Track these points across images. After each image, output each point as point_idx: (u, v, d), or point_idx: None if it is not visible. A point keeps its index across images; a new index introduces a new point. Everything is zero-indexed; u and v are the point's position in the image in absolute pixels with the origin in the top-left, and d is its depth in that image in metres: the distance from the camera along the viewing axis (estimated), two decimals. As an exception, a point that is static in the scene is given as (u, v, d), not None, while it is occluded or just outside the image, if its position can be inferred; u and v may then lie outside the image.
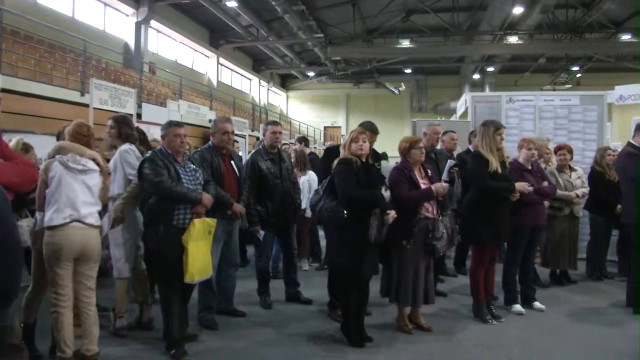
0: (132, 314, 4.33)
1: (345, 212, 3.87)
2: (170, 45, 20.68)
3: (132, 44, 17.39)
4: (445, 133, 6.25)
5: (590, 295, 5.73)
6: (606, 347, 4.13)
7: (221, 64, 24.07)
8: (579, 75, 26.10)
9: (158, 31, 19.53)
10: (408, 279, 4.27)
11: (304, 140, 7.94)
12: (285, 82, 32.18)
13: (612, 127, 10.37)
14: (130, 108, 8.19)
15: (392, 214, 3.96)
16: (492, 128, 4.66)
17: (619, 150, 6.03)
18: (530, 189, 4.71)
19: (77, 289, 3.42)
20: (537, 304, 5.08)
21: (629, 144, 5.23)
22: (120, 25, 17.51)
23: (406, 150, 4.36)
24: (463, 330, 4.49)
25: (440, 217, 4.31)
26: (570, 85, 25.81)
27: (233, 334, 4.33)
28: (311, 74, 28.46)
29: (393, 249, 4.27)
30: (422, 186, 4.29)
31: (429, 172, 4.50)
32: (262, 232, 4.97)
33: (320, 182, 4.93)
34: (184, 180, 3.84)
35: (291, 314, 4.90)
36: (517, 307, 4.96)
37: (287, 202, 5.03)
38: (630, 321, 4.78)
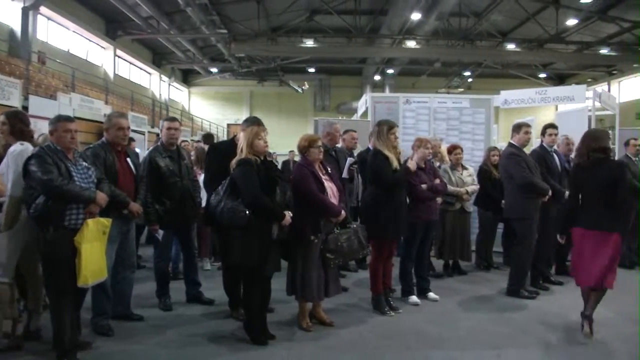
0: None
1: (247, 211, 3.84)
2: (62, 34, 19.29)
3: (18, 31, 16.00)
4: (346, 132, 6.42)
5: (478, 284, 6.15)
6: (492, 330, 4.47)
7: (118, 56, 22.87)
8: (470, 79, 27.86)
9: (49, 18, 18.14)
10: (313, 274, 4.32)
11: (209, 137, 7.79)
12: (187, 77, 31.24)
13: (498, 128, 11.22)
14: (14, 100, 7.58)
15: (287, 215, 3.99)
16: (386, 127, 4.86)
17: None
18: (424, 186, 4.99)
19: None
20: (431, 294, 5.37)
21: (510, 144, 5.70)
22: (4, 10, 16.03)
23: (305, 148, 4.41)
24: (363, 323, 4.63)
25: (339, 231, 4.40)
26: (462, 89, 27.47)
27: (130, 339, 4.13)
28: (214, 70, 27.85)
29: (298, 244, 4.30)
30: (324, 182, 4.37)
31: (329, 169, 4.60)
32: (160, 232, 4.81)
33: (206, 179, 4.83)
34: (75, 179, 3.60)
35: (192, 315, 4.78)
36: (413, 298, 5.22)
37: (186, 200, 4.90)
38: (512, 305, 5.22)
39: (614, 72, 26.53)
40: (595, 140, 4.37)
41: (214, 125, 27.67)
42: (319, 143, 4.46)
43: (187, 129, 22.18)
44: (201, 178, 6.17)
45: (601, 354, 4.01)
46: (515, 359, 3.91)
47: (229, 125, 30.85)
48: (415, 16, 17.95)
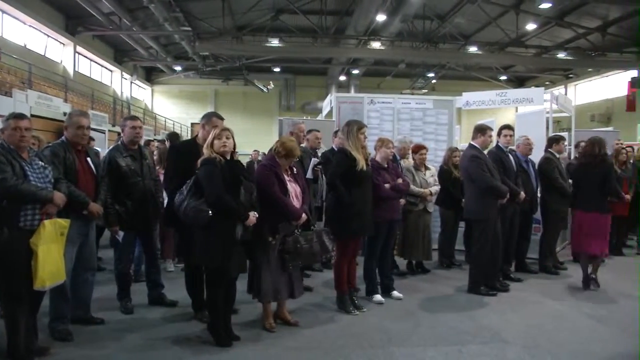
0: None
1: (210, 211, 3.81)
2: (18, 28, 18.62)
3: (-31, 23, 15.39)
4: (309, 132, 6.43)
5: (440, 282, 6.27)
6: (454, 327, 4.57)
7: (79, 53, 22.22)
8: (434, 81, 28.30)
9: (3, 12, 17.50)
10: (268, 275, 4.32)
11: (175, 136, 7.66)
12: (150, 75, 30.66)
13: (461, 129, 11.45)
14: (-36, 97, 7.27)
15: (251, 215, 3.98)
16: (356, 127, 4.90)
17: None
18: (387, 185, 5.06)
19: None
20: (395, 292, 5.45)
21: (471, 145, 5.83)
22: (-47, 1, 15.39)
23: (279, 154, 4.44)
24: (328, 322, 4.66)
25: (300, 232, 4.42)
26: (426, 90, 27.87)
27: (91, 344, 4.03)
28: (178, 68, 27.41)
29: (259, 245, 4.30)
30: (288, 184, 4.38)
31: (295, 170, 4.60)
32: (121, 233, 4.72)
33: (165, 179, 4.78)
34: (31, 178, 3.51)
35: (155, 318, 4.71)
36: (378, 297, 5.28)
37: (148, 201, 4.82)
38: (473, 302, 5.34)
39: (571, 75, 27.43)
40: (603, 147, 5.93)
41: (177, 125, 27.26)
42: (297, 152, 4.48)
43: (150, 128, 21.80)
44: (162, 177, 6.11)
45: (557, 347, 4.14)
46: (476, 354, 3.99)
47: (193, 124, 30.47)
48: (381, 17, 18.11)
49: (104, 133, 14.80)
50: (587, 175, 5.97)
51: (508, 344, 4.22)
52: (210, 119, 4.56)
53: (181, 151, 4.68)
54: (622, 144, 8.73)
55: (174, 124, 26.86)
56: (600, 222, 5.87)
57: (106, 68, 25.91)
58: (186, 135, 27.49)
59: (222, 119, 4.62)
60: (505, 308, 5.19)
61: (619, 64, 22.39)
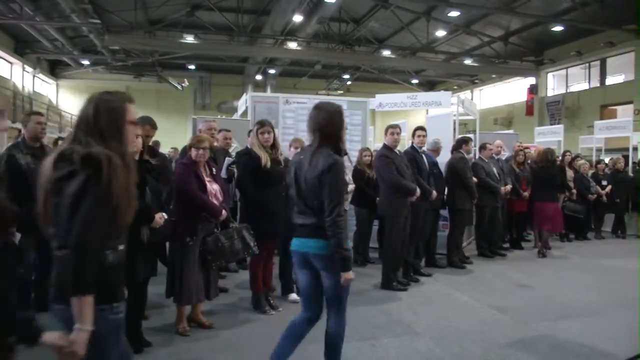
0: None
1: None
2: None
3: None
4: (219, 132, 6.35)
5: (355, 279, 6.37)
6: (367, 322, 4.69)
7: (-29, 42, 20.50)
8: (349, 82, 28.88)
9: None
10: (191, 276, 4.22)
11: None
12: (55, 69, 28.72)
13: (374, 130, 11.76)
14: None
15: (157, 217, 3.87)
16: (256, 127, 4.94)
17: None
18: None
19: None
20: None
21: (383, 145, 6.02)
22: None
23: (188, 148, 4.36)
24: (244, 323, 4.63)
25: (220, 231, 4.35)
26: (342, 92, 28.40)
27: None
28: (86, 62, 25.95)
29: (176, 245, 4.18)
30: (207, 183, 4.30)
31: (214, 170, 4.53)
32: (18, 235, 4.39)
33: None
34: None
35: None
36: (293, 296, 5.31)
37: None
38: (386, 297, 5.52)
39: (476, 81, 29.08)
40: (553, 155, 8.51)
41: (85, 122, 25.79)
42: (203, 145, 4.37)
43: (55, 125, 20.50)
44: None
45: (462, 336, 4.38)
46: (388, 348, 4.13)
47: (102, 121, 29.01)
48: (297, 18, 18.23)
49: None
50: (544, 175, 8.19)
51: (418, 335, 4.41)
52: (144, 124, 4.41)
53: None
54: (522, 146, 9.41)
55: (81, 121, 25.40)
56: (553, 207, 8.19)
57: (5, 60, 23.99)
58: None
59: (155, 127, 4.51)
60: (416, 302, 5.41)
61: (519, 71, 24.06)
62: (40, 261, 4.80)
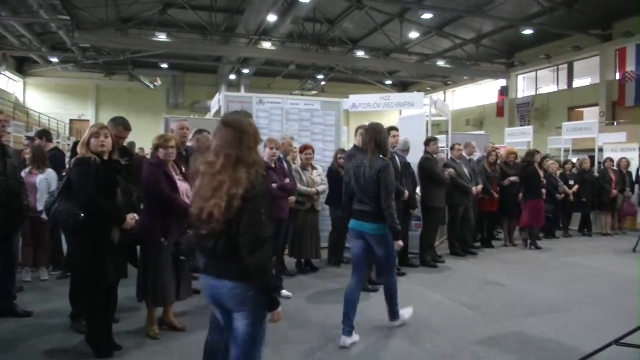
0: None
1: (81, 214, 3.58)
2: None
3: None
4: (200, 132, 6.29)
5: (329, 279, 6.43)
6: (339, 321, 4.68)
7: None
8: (323, 83, 28.94)
9: None
10: (165, 278, 4.17)
11: (44, 134, 7.05)
12: (22, 66, 27.96)
13: (348, 130, 11.82)
14: None
15: (129, 218, 3.82)
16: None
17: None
18: (274, 185, 5.11)
19: None
20: (284, 291, 5.50)
21: (353, 146, 6.06)
22: None
23: (156, 147, 4.28)
24: (216, 324, 4.58)
25: (193, 232, 4.30)
26: (316, 92, 28.44)
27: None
28: (54, 59, 25.32)
29: (148, 246, 4.12)
30: (177, 182, 4.25)
31: (183, 169, 4.47)
32: None
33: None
34: None
35: (25, 331, 4.33)
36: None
37: (11, 203, 4.40)
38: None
39: (449, 82, 29.50)
40: (530, 155, 8.98)
41: (54, 121, 25.24)
42: (170, 143, 4.31)
43: (22, 124, 19.95)
44: (38, 179, 5.66)
45: (435, 334, 4.43)
46: (362, 346, 4.16)
47: (71, 120, 28.42)
48: (272, 18, 18.18)
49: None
50: (531, 174, 8.76)
51: (392, 334, 4.45)
52: (117, 125, 4.35)
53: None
54: (494, 146, 9.57)
55: (49, 120, 24.84)
56: (537, 205, 8.78)
57: (-31, 56, 23.33)
58: (64, 132, 25.57)
59: (128, 129, 4.48)
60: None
61: (490, 73, 24.49)
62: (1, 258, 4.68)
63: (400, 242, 4.28)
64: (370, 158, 4.26)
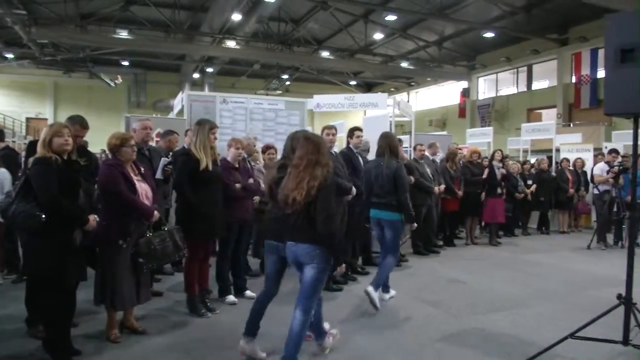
0: None
1: (43, 215, 3.46)
2: None
3: None
4: (171, 133, 6.21)
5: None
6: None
7: None
8: (288, 83, 28.90)
9: None
10: (124, 281, 4.08)
11: (-1, 134, 6.78)
12: (-24, 62, 26.99)
13: (312, 130, 11.82)
14: None
15: (91, 219, 3.73)
16: (207, 127, 4.82)
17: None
18: (238, 185, 5.07)
19: None
20: (248, 292, 5.44)
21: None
22: None
23: (116, 147, 4.15)
24: (179, 327, 4.52)
25: (152, 234, 4.23)
26: (281, 92, 28.38)
27: None
28: (10, 55, 24.46)
29: (106, 249, 4.02)
30: (136, 183, 4.15)
31: (142, 169, 4.38)
32: None
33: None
34: None
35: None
36: (230, 298, 5.24)
37: None
38: (324, 296, 5.52)
39: (412, 83, 29.91)
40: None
41: (10, 119, 24.39)
42: (132, 142, 4.22)
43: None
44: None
45: (398, 333, 4.48)
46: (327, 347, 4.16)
47: (28, 119, 27.52)
48: (236, 17, 18.04)
49: None
50: (490, 174, 9.23)
51: (355, 332, 4.47)
52: (75, 124, 4.22)
53: None
54: (458, 146, 9.78)
55: (4, 118, 23.98)
56: (498, 203, 9.32)
57: None
58: (20, 130, 24.73)
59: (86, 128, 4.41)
60: (353, 300, 5.48)
61: (453, 75, 24.97)
62: None
63: (415, 224, 5.50)
64: (387, 161, 5.29)
